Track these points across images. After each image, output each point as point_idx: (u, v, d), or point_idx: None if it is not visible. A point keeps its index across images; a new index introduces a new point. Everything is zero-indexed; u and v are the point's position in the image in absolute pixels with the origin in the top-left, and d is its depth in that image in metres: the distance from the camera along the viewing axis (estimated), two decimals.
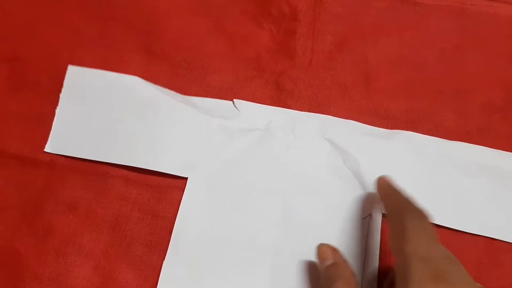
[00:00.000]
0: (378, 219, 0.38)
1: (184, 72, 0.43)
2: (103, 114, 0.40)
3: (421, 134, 0.41)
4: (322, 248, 0.35)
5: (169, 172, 0.39)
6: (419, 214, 0.30)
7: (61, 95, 0.41)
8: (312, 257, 0.36)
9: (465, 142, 0.41)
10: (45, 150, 0.40)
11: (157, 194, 0.39)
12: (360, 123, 0.41)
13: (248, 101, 0.42)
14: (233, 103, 0.42)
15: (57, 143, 0.40)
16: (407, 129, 0.41)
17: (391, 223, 0.31)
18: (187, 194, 0.39)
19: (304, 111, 0.42)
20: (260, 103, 0.42)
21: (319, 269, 0.34)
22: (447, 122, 0.42)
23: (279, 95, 0.42)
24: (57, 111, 0.40)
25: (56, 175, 0.40)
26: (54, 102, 0.41)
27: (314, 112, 0.42)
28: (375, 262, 0.37)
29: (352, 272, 0.33)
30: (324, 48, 0.43)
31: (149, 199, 0.39)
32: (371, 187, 0.39)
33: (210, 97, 0.42)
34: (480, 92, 0.42)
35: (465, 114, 0.42)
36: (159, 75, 0.43)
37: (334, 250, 0.34)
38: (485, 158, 0.40)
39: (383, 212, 0.38)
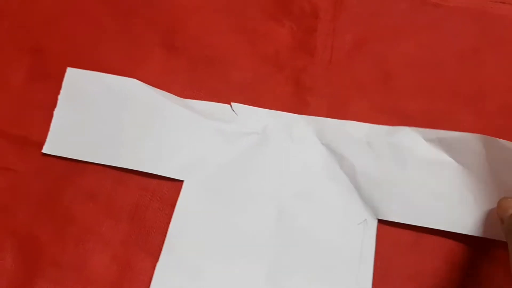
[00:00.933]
0: (373, 225, 0.38)
1: (204, 68, 0.43)
2: (100, 117, 0.40)
3: (420, 128, 0.40)
4: (506, 199, 0.35)
5: (164, 175, 0.39)
6: None
7: (59, 97, 0.41)
8: (308, 261, 0.37)
9: None
10: (43, 151, 0.40)
11: (176, 185, 0.40)
12: (359, 123, 0.41)
13: (268, 97, 0.42)
14: (231, 106, 0.42)
15: (55, 144, 0.40)
16: None
17: None
18: (182, 197, 0.39)
19: (323, 108, 0.42)
20: (279, 100, 0.42)
21: (502, 219, 0.34)
22: (465, 124, 0.42)
23: (299, 92, 0.42)
24: (55, 112, 0.41)
25: (77, 163, 0.40)
26: None
27: (332, 111, 0.42)
28: (369, 269, 0.37)
29: None
30: (344, 47, 0.44)
31: (168, 189, 0.39)
32: (367, 192, 0.39)
33: (230, 93, 0.42)
34: (498, 94, 0.42)
35: (483, 116, 0.42)
36: (179, 71, 0.43)
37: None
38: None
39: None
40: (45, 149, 0.40)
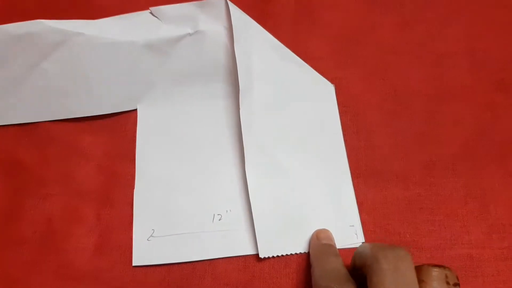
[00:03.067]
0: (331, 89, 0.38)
1: None
2: (22, 73, 0.37)
3: None
4: (325, 230, 0.34)
5: (114, 111, 0.38)
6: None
7: None
8: (275, 140, 0.36)
9: (455, 13, 0.40)
10: None
11: None
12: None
13: None
14: (150, 12, 0.38)
15: None
16: (397, 7, 0.41)
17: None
18: (141, 124, 0.38)
19: (291, 1, 0.41)
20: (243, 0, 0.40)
21: (313, 243, 0.34)
22: None
23: None
24: None
25: None
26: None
27: (300, 2, 0.41)
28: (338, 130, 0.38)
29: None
30: None
31: None
32: None
33: None
34: None
35: None
36: None
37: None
38: None
39: None
40: None
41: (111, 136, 0.38)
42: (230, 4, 0.38)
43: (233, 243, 0.35)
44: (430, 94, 0.38)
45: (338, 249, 0.33)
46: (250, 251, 0.35)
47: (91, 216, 0.36)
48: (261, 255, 0.34)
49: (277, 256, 0.34)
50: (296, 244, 0.34)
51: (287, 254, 0.34)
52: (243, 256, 0.34)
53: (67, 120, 0.38)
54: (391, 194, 0.35)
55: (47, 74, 0.37)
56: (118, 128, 0.38)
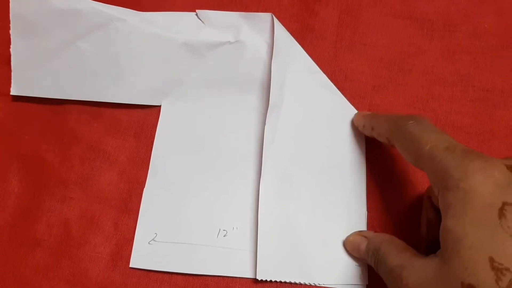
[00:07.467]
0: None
1: None
2: (58, 47, 0.36)
3: None
4: (349, 239, 0.33)
5: (138, 103, 0.37)
6: (415, 118, 0.29)
7: (11, 32, 0.36)
8: (295, 163, 0.35)
9: (507, 45, 0.38)
10: (11, 93, 0.37)
11: None
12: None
13: (274, 9, 0.39)
14: (196, 14, 0.38)
15: (21, 83, 0.37)
16: (445, 33, 0.39)
17: (397, 141, 0.30)
18: (162, 122, 0.37)
19: (335, 17, 0.40)
20: (286, 10, 0.40)
21: (360, 258, 0.33)
22: (487, 25, 0.39)
23: (307, 1, 0.40)
24: (11, 49, 0.37)
25: None
26: None
27: (344, 19, 0.39)
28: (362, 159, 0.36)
29: (381, 234, 0.32)
30: None
31: None
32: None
33: (235, 3, 0.40)
34: None
35: (506, 16, 0.39)
36: None
37: (359, 232, 0.33)
38: None
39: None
40: (13, 91, 0.37)
41: (137, 142, 0.37)
42: (276, 21, 0.37)
43: (233, 263, 0.34)
44: (472, 132, 0.36)
45: None
46: (249, 274, 0.33)
47: (108, 224, 0.35)
48: (258, 277, 0.33)
49: (277, 282, 0.33)
50: (297, 273, 0.33)
51: (285, 282, 0.33)
52: (251, 279, 0.33)
53: (93, 121, 0.37)
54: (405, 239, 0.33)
55: (81, 53, 0.36)
56: (144, 134, 0.37)
